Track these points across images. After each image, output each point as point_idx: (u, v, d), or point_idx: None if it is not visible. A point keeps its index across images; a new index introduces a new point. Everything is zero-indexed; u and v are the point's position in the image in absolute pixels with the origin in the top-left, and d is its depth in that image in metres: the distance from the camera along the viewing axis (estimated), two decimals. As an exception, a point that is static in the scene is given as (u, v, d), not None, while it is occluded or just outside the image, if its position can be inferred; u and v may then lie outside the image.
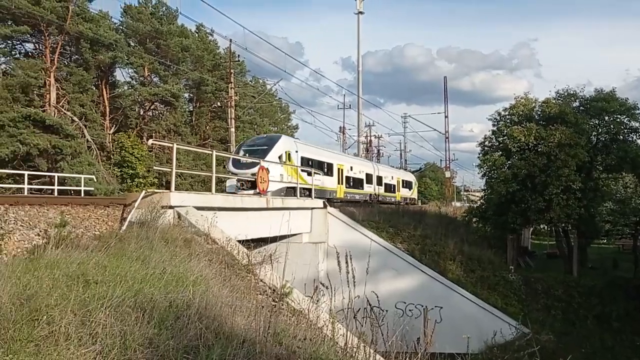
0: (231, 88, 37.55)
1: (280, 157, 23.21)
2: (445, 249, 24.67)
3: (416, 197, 51.25)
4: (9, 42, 39.64)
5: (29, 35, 38.42)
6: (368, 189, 35.19)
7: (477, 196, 51.23)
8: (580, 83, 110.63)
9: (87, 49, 38.91)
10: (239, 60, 44.57)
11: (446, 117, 64.26)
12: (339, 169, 30.30)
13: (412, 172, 61.17)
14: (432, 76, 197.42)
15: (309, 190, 23.58)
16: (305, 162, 25.58)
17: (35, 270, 6.51)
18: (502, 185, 26.82)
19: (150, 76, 45.42)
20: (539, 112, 29.63)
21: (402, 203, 41.88)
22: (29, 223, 9.40)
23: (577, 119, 27.98)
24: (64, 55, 40.51)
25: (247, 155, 22.80)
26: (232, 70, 38.53)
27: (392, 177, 42.02)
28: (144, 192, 12.84)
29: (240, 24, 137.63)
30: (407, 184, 46.84)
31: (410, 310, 20.00)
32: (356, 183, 33.24)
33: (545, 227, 38.13)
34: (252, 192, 20.15)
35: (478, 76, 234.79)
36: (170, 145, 15.45)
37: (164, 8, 45.47)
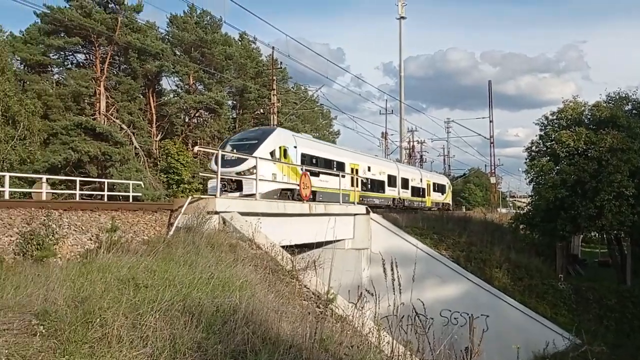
0: (273, 95, 38.00)
1: (272, 153, 19.85)
2: (491, 256, 24.15)
3: (450, 203, 47.09)
4: (61, 53, 41.49)
5: (80, 46, 40.10)
6: (390, 192, 31.69)
7: (524, 202, 50.05)
8: (632, 85, 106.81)
9: (135, 58, 40.16)
10: (281, 67, 45.06)
11: (491, 121, 62.96)
12: (352, 169, 26.60)
13: (456, 178, 60.00)
14: (475, 80, 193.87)
15: (314, 193, 20.99)
16: (308, 160, 22.22)
17: (88, 274, 6.71)
18: (550, 191, 26.05)
19: (195, 84, 46.44)
20: (588, 116, 28.72)
21: (433, 209, 38.67)
22: (82, 228, 9.71)
23: (630, 123, 26.95)
24: (113, 65, 41.94)
25: (234, 150, 19.67)
26: (274, 77, 38.98)
27: (421, 180, 38.30)
28: (190, 197, 13.07)
29: (282, 31, 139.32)
30: (440, 188, 43.18)
31: (455, 318, 19.64)
32: (375, 185, 29.60)
33: (597, 234, 36.80)
34: (237, 194, 17.62)
35: (523, 80, 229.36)
36: (215, 151, 15.69)
37: (208, 17, 46.49)
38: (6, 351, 4.31)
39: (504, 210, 62.37)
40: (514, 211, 51.27)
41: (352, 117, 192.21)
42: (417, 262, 11.08)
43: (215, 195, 13.77)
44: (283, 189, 19.57)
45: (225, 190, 17.90)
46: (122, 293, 6.02)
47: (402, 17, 53.37)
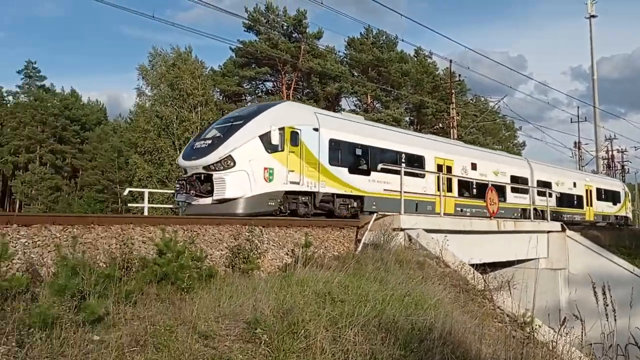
0: (452, 108, 37.15)
1: (266, 137, 13.25)
2: None
3: (629, 216, 36.93)
4: (253, 82, 45.70)
5: (268, 75, 43.76)
6: (518, 200, 23.27)
7: None
8: None
9: (317, 82, 42.54)
10: (459, 80, 43.98)
11: None
12: (440, 165, 19.30)
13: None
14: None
15: (359, 199, 15.59)
16: (345, 150, 15.70)
17: (288, 287, 7.13)
18: None
19: (373, 103, 47.50)
20: None
21: (598, 223, 30.53)
22: (279, 243, 10.42)
23: None
24: (297, 89, 44.92)
25: (220, 135, 13.79)
26: (452, 91, 38.15)
27: (574, 184, 29.19)
28: (375, 214, 13.28)
29: (459, 42, 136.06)
30: (609, 196, 33.27)
31: (677, 352, 17.00)
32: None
33: None
34: (209, 200, 12.69)
35: None
36: (398, 169, 15.73)
37: (384, 37, 47.36)
38: (240, 356, 4.74)
39: None
40: None
41: (539, 127, 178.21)
42: (625, 285, 9.98)
43: (399, 212, 13.79)
44: (288, 192, 13.74)
45: (188, 194, 12.99)
46: (321, 307, 6.28)
47: (593, 16, 48.74)
